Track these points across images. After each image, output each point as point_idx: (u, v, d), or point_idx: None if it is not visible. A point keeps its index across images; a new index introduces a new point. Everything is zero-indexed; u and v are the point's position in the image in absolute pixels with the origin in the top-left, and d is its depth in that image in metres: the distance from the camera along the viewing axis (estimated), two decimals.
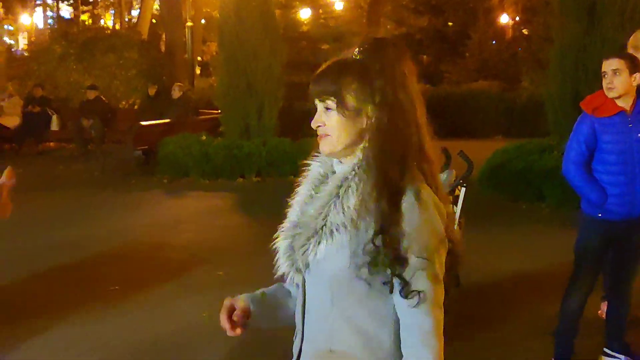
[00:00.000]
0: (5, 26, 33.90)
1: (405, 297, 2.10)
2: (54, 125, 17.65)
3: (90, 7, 41.98)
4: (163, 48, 25.49)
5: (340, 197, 2.16)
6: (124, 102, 20.20)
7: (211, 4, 31.51)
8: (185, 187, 12.68)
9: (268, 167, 13.32)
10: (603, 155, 4.83)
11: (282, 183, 12.68)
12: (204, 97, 19.21)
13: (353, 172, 2.18)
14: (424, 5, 28.52)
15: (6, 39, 33.14)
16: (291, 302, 2.45)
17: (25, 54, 27.76)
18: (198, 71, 29.35)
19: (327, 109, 2.18)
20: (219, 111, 14.71)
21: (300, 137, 13.62)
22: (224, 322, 2.28)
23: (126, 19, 39.49)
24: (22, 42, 34.73)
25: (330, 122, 2.18)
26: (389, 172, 2.10)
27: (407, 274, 2.09)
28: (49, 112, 17.52)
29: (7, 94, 16.33)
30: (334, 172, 2.29)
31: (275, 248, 2.33)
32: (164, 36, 26.19)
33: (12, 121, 17.12)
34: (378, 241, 2.07)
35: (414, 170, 2.14)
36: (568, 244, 5.17)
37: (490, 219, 9.87)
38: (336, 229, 2.14)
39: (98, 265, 7.96)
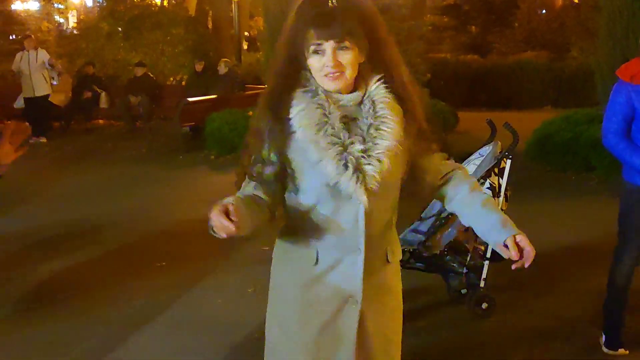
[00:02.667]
0: (55, 4, 34.13)
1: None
2: (103, 103, 17.75)
3: None
4: (210, 24, 25.47)
5: (378, 121, 2.55)
6: (171, 79, 20.23)
7: None
8: (232, 163, 12.61)
9: None
10: None
11: None
12: (251, 72, 19.19)
13: (361, 103, 2.58)
14: None
15: (56, 17, 33.36)
16: (263, 206, 2.64)
17: (75, 32, 27.93)
18: (245, 46, 29.30)
19: (344, 48, 2.45)
20: (266, 86, 14.53)
21: None
22: (222, 221, 2.31)
23: None
24: (72, 21, 34.94)
25: (345, 60, 2.47)
26: (410, 99, 2.61)
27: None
28: (98, 90, 17.62)
29: (57, 72, 16.44)
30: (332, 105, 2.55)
31: (328, 164, 2.51)
32: (210, 12, 26.14)
33: (62, 99, 17.26)
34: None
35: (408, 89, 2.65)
36: (618, 214, 5.05)
37: (538, 190, 9.75)
38: (389, 150, 2.52)
39: (145, 241, 8.01)
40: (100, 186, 11.14)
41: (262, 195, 2.64)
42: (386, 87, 2.56)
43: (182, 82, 19.34)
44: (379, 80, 2.57)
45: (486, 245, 5.71)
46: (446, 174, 2.82)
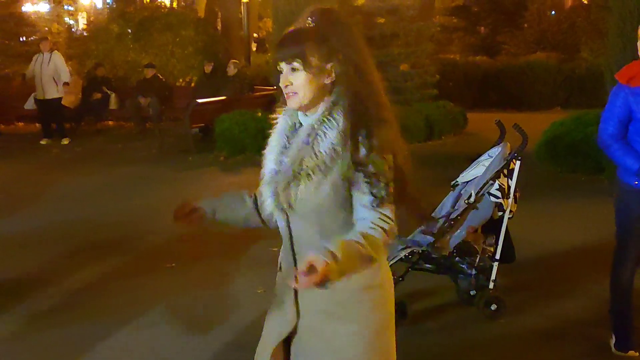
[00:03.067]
0: (65, 6, 34.21)
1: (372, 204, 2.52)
2: (112, 104, 17.79)
3: None
4: (219, 25, 25.50)
5: (311, 144, 2.54)
6: (180, 80, 20.26)
7: None
8: (242, 164, 12.67)
9: None
10: (638, 125, 4.69)
11: None
12: (260, 74, 19.22)
13: (319, 122, 2.56)
14: None
15: (66, 19, 33.43)
16: (242, 208, 2.96)
17: (85, 34, 27.98)
18: (254, 48, 29.35)
19: (293, 69, 2.55)
20: (275, 87, 14.56)
21: None
22: (180, 214, 2.96)
23: None
24: (82, 22, 35.01)
25: (296, 81, 2.55)
26: (355, 122, 2.50)
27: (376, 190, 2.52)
28: (107, 92, 17.66)
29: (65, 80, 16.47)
30: (301, 124, 2.66)
31: (260, 192, 2.77)
32: (220, 13, 26.18)
33: (72, 100, 17.29)
34: (353, 172, 2.50)
35: (374, 119, 2.52)
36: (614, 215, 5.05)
37: (547, 191, 9.74)
38: (312, 172, 2.53)
39: (155, 242, 8.02)
40: (110, 187, 11.16)
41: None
42: (335, 115, 2.56)
43: (192, 84, 19.39)
44: (335, 104, 2.58)
45: (495, 246, 5.71)
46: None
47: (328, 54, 2.53)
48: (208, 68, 17.17)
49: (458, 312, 5.96)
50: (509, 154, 5.80)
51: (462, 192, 6.01)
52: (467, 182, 6.04)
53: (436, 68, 16.55)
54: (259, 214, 2.91)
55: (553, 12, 26.51)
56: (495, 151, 5.92)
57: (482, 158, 6.05)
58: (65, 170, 12.38)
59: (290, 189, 2.57)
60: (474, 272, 5.75)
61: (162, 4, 25.24)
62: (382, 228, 2.51)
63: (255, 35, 30.13)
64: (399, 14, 15.24)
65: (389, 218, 2.54)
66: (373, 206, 2.50)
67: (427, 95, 15.57)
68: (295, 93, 2.56)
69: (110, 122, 18.74)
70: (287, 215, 2.66)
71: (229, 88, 15.81)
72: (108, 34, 21.00)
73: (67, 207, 9.82)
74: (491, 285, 5.71)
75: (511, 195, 5.68)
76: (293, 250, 2.72)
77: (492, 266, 5.72)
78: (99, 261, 7.41)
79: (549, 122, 11.84)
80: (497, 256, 5.68)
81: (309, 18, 2.58)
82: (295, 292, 2.71)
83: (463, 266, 5.78)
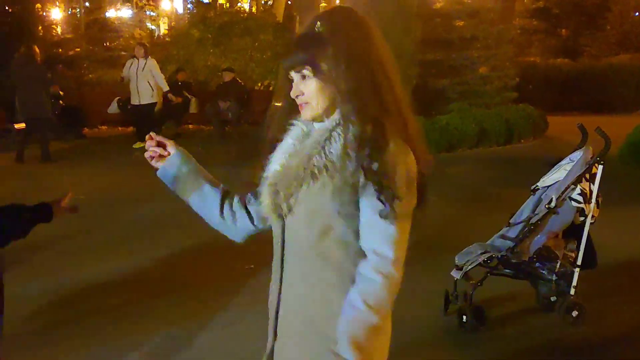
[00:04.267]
0: (147, 12, 34.84)
1: (381, 215, 2.23)
2: (193, 108, 18.03)
3: None
4: (297, 30, 25.61)
5: (323, 146, 2.31)
6: (259, 84, 20.39)
7: None
8: None
9: None
10: None
11: None
12: None
13: (334, 124, 2.32)
14: None
15: (148, 24, 34.01)
16: (213, 198, 2.78)
17: (166, 39, 28.45)
18: None
19: (304, 77, 2.33)
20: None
21: (433, 115, 13.43)
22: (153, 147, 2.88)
23: (263, 2, 40.01)
24: (163, 28, 35.59)
25: (308, 90, 2.33)
26: (365, 127, 2.23)
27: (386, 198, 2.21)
28: (188, 96, 17.91)
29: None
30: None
31: (258, 193, 2.52)
32: (297, 17, 26.31)
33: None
34: (361, 176, 2.22)
35: (387, 124, 2.25)
36: None
37: (630, 196, 9.52)
38: (318, 171, 2.29)
39: (233, 244, 8.05)
40: None
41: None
42: (352, 119, 2.28)
43: (270, 87, 19.50)
44: (344, 113, 2.30)
45: (577, 252, 5.61)
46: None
47: (339, 58, 2.27)
48: None
49: (538, 318, 5.87)
50: (591, 157, 5.69)
51: (542, 196, 5.92)
52: (548, 186, 5.95)
53: (516, 71, 16.33)
54: (221, 203, 2.76)
55: (637, 14, 25.95)
56: (577, 155, 5.82)
57: (563, 162, 5.94)
58: (144, 173, 12.50)
59: (292, 189, 2.35)
60: (554, 277, 5.65)
61: (242, 9, 25.52)
62: (384, 275, 2.22)
63: None
64: (478, 16, 15.09)
65: (396, 243, 2.24)
66: (381, 216, 2.22)
67: (507, 99, 15.38)
68: (308, 103, 2.35)
69: (190, 126, 19.00)
70: (282, 220, 2.43)
71: None
72: (189, 38, 21.30)
73: (145, 207, 9.96)
74: (572, 292, 5.61)
75: (593, 200, 5.58)
76: (282, 259, 2.48)
77: (573, 272, 5.62)
78: (180, 259, 7.53)
79: (632, 126, 11.60)
80: (579, 262, 5.58)
81: (317, 21, 2.35)
82: (277, 311, 2.55)
83: (543, 272, 5.69)
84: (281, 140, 2.50)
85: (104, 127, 19.22)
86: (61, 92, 17.02)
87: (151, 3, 36.17)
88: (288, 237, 2.43)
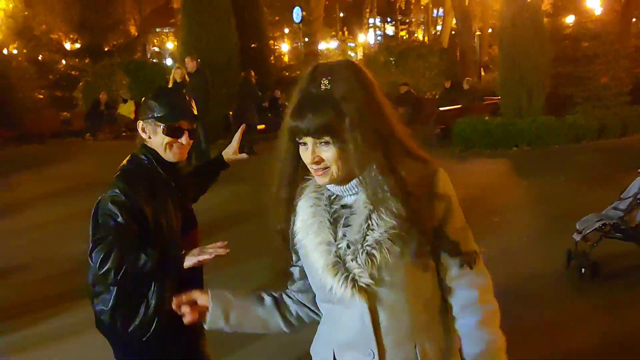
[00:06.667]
0: (349, 44, 35.45)
1: (462, 264, 1.73)
2: None
3: (406, 26, 43.06)
4: (458, 53, 25.23)
5: (378, 213, 1.65)
6: (428, 94, 20.29)
7: (496, 17, 30.63)
8: (472, 156, 12.46)
9: (536, 139, 12.72)
10: None
11: (547, 151, 12.27)
12: (489, 88, 18.83)
13: (372, 191, 1.67)
14: None
15: (349, 52, 34.51)
16: (260, 309, 1.91)
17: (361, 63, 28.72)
18: (483, 72, 28.72)
19: (323, 143, 1.65)
20: (499, 97, 14.47)
21: (564, 115, 13.06)
22: (182, 307, 1.84)
23: (432, 33, 39.62)
24: (359, 54, 35.95)
25: (328, 155, 1.65)
26: (389, 179, 1.65)
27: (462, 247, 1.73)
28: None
29: None
30: (336, 195, 1.75)
31: (319, 267, 1.72)
32: (459, 44, 25.88)
33: None
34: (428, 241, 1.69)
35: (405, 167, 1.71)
36: None
37: None
38: (392, 241, 1.64)
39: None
40: None
41: (292, 294, 1.94)
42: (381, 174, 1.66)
43: (436, 96, 19.37)
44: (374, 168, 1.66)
45: None
46: (452, 279, 1.77)
47: (355, 128, 1.61)
48: (448, 84, 17.30)
49: None
50: None
51: None
52: None
53: (630, 79, 15.29)
54: (282, 314, 1.91)
55: None
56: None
57: None
58: None
59: (360, 265, 1.66)
60: None
61: (416, 38, 25.28)
62: (486, 295, 1.75)
63: (485, 59, 29.34)
64: (600, 38, 14.28)
65: (483, 276, 1.76)
66: (462, 265, 1.72)
67: (622, 101, 14.49)
68: (328, 168, 1.66)
69: None
70: (366, 295, 1.68)
71: (463, 99, 15.76)
72: (376, 62, 21.41)
73: (217, 201, 9.06)
74: None
75: None
76: (377, 332, 1.71)
77: None
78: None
79: None
80: None
81: (324, 79, 1.64)
82: None
83: None
84: (296, 202, 1.78)
85: None
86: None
87: (350, 37, 36.76)
88: (382, 312, 1.72)
